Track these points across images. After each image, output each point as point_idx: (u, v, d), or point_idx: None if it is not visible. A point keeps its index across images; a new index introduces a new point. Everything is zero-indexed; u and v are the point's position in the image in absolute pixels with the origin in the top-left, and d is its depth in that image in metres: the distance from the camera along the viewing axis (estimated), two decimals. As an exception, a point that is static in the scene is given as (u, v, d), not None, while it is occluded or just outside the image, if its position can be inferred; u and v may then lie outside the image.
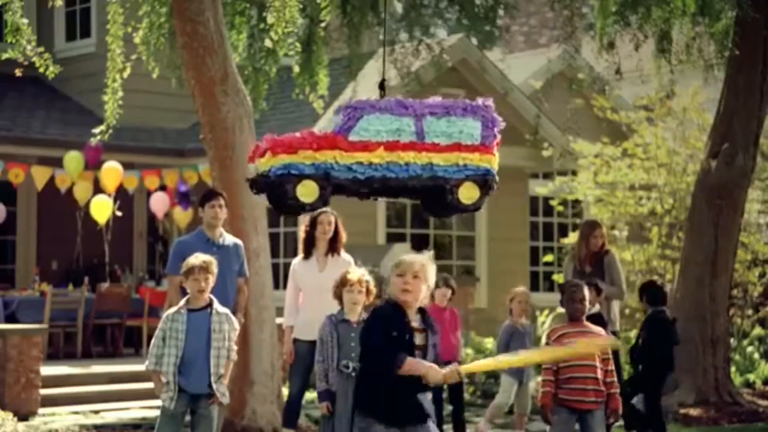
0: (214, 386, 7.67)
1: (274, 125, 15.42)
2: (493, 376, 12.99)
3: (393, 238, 17.28)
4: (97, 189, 16.54)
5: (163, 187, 17.25)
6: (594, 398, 7.72)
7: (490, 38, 34.96)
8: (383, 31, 6.37)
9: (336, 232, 9.48)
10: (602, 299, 10.26)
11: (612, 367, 7.85)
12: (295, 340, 9.42)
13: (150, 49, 13.10)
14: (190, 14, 10.86)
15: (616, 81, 15.09)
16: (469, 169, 5.72)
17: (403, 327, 5.86)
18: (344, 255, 9.49)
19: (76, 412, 12.11)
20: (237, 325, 7.92)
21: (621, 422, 9.92)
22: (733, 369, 14.50)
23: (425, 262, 5.93)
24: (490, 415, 10.63)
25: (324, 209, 9.52)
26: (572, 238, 16.80)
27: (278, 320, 10.61)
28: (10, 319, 14.56)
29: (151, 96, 17.62)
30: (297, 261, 9.64)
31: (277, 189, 5.50)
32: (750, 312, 17.14)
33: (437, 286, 10.49)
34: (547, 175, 19.41)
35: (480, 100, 5.85)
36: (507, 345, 10.43)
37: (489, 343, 15.16)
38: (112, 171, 16.33)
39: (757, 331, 16.72)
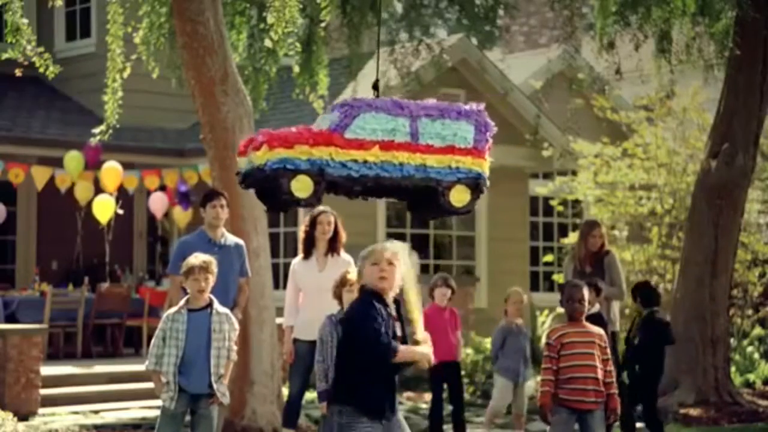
0: (215, 386, 7.66)
1: (274, 125, 15.39)
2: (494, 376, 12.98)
3: (393, 238, 17.26)
4: (97, 189, 16.54)
5: (163, 187, 17.25)
6: (594, 398, 7.72)
7: (490, 38, 34.97)
8: (377, 32, 6.36)
9: (336, 232, 9.48)
10: (602, 299, 10.25)
11: (611, 367, 7.85)
12: (295, 340, 9.43)
13: (150, 49, 13.11)
14: (190, 14, 10.87)
15: (616, 81, 15.09)
16: (461, 172, 5.75)
17: (386, 317, 5.87)
18: (344, 255, 9.49)
19: (76, 412, 12.11)
20: (237, 326, 7.92)
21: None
22: (733, 369, 14.50)
23: (396, 248, 5.96)
24: (489, 420, 10.61)
25: (324, 209, 9.53)
26: (572, 238, 16.80)
27: (278, 320, 10.61)
28: (10, 319, 14.57)
29: (151, 96, 17.62)
30: (297, 261, 9.64)
31: (271, 183, 5.50)
32: (750, 312, 17.13)
33: (437, 286, 10.50)
34: (547, 175, 19.40)
35: (473, 105, 5.88)
36: (501, 345, 10.43)
37: (489, 343, 15.13)
38: (112, 171, 16.33)
39: (757, 331, 16.72)
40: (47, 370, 12.70)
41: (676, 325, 13.69)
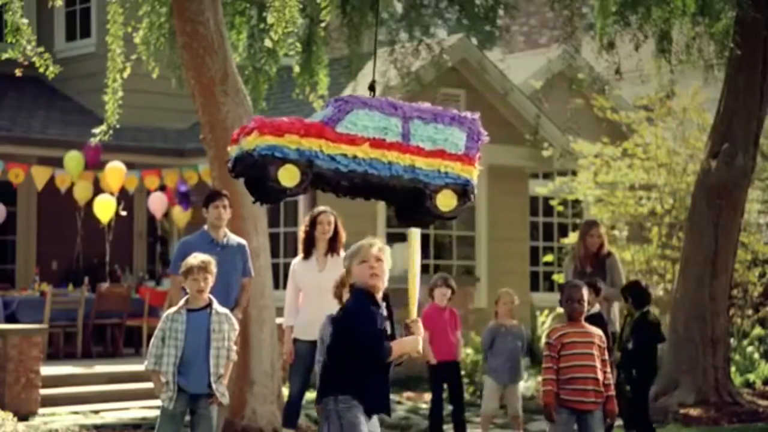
0: (214, 386, 7.67)
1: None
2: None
3: (393, 238, 17.25)
4: (97, 189, 16.54)
5: (162, 187, 17.25)
6: (594, 399, 7.73)
7: (490, 38, 34.96)
8: (375, 34, 6.36)
9: (336, 232, 9.49)
10: (601, 299, 10.25)
11: (609, 368, 7.86)
12: (295, 340, 9.43)
13: (150, 49, 13.11)
14: (190, 14, 10.87)
15: (616, 81, 15.09)
16: (449, 177, 5.74)
17: (379, 316, 5.86)
18: (344, 255, 9.47)
19: (76, 412, 12.11)
20: (237, 326, 7.92)
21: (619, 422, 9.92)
22: (733, 369, 14.50)
23: (381, 244, 5.96)
24: (484, 423, 10.59)
25: (324, 209, 9.54)
26: (572, 238, 16.80)
27: (278, 320, 10.61)
28: (10, 319, 14.57)
29: (151, 96, 17.62)
30: (297, 261, 9.64)
31: (258, 170, 5.50)
32: (750, 312, 17.13)
33: (437, 285, 10.50)
34: (547, 175, 19.40)
35: (468, 113, 5.88)
36: (490, 346, 10.41)
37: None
38: (115, 171, 16.34)
39: (757, 331, 16.71)
40: (47, 370, 12.70)
41: (676, 325, 13.72)
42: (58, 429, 11.09)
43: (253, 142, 5.46)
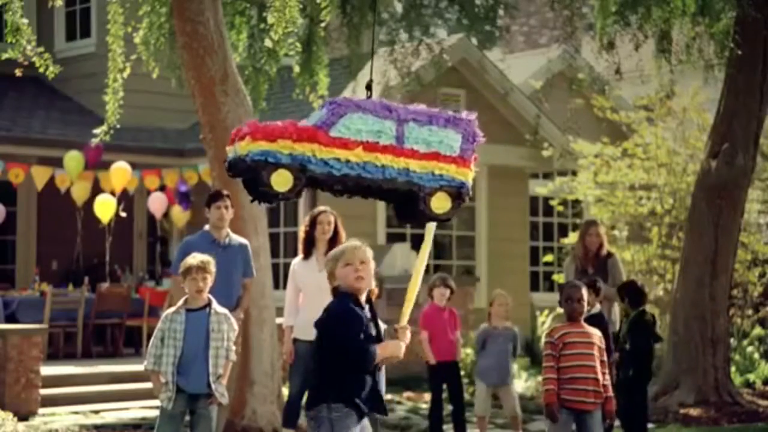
0: (213, 386, 7.66)
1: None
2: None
3: (393, 239, 17.27)
4: (97, 189, 16.54)
5: (162, 187, 17.26)
6: (593, 399, 7.73)
7: (490, 38, 34.94)
8: (372, 35, 6.35)
9: (336, 232, 9.48)
10: (602, 299, 10.24)
11: (607, 369, 7.85)
12: (295, 340, 9.42)
13: (150, 49, 13.10)
14: (190, 14, 10.87)
15: (616, 81, 15.09)
16: (444, 180, 5.72)
17: (364, 319, 5.82)
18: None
19: (76, 412, 12.11)
20: (236, 326, 7.91)
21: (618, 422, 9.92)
22: (733, 369, 14.50)
23: (365, 246, 5.91)
24: (480, 426, 10.58)
25: (324, 209, 9.54)
26: (572, 238, 16.80)
27: (278, 320, 10.61)
28: (10, 319, 14.56)
29: (151, 96, 17.62)
30: (297, 261, 9.64)
31: (252, 174, 5.52)
32: (750, 312, 17.13)
33: (436, 285, 10.49)
34: (547, 175, 19.41)
35: (465, 114, 5.86)
36: (482, 348, 10.41)
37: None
38: (120, 171, 16.35)
39: (757, 331, 16.71)
40: (47, 370, 12.70)
41: (676, 325, 13.72)
42: (58, 429, 11.09)
43: (245, 147, 5.47)
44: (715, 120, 14.07)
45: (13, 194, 17.49)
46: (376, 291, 8.27)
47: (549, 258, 18.98)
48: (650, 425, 11.27)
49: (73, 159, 16.25)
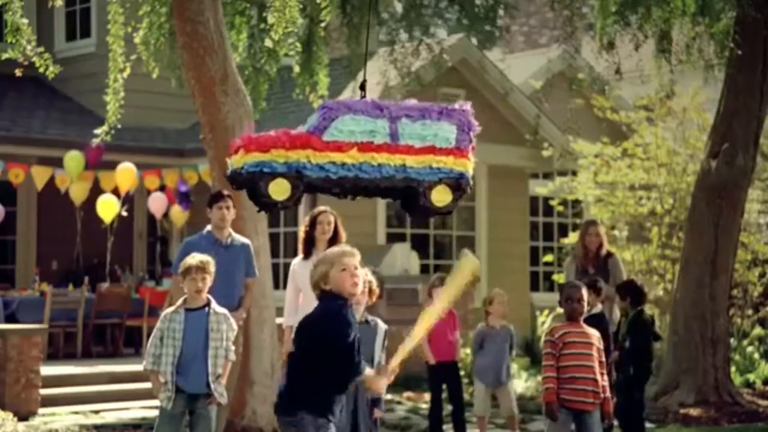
0: (212, 386, 7.66)
1: (274, 125, 15.38)
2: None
3: (393, 239, 17.27)
4: (97, 189, 16.54)
5: (162, 187, 17.26)
6: (593, 399, 7.73)
7: (490, 38, 34.94)
8: (366, 36, 6.36)
9: (336, 232, 9.48)
10: (603, 299, 10.23)
11: (605, 370, 7.85)
12: (295, 340, 9.42)
13: (150, 49, 13.10)
14: (190, 14, 10.87)
15: (616, 81, 15.09)
16: (442, 172, 5.72)
17: (355, 326, 5.71)
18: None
19: (76, 412, 12.11)
20: (235, 326, 7.91)
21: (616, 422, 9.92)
22: (733, 369, 14.50)
23: (355, 251, 5.83)
24: (479, 426, 10.57)
25: (324, 209, 9.54)
26: (572, 238, 16.80)
27: (278, 320, 10.61)
28: (10, 319, 14.56)
29: (151, 96, 17.62)
30: (297, 261, 9.63)
31: (251, 186, 5.53)
32: (750, 312, 17.13)
33: (435, 285, 10.48)
34: (547, 175, 19.41)
35: (457, 104, 5.85)
36: (480, 348, 10.40)
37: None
38: (127, 172, 16.35)
39: (757, 331, 16.72)
40: (47, 370, 12.70)
41: (676, 325, 13.72)
42: (58, 429, 11.09)
43: (240, 160, 5.50)
44: (715, 120, 14.07)
45: (13, 194, 17.48)
46: (377, 291, 8.30)
47: (549, 258, 18.98)
48: (650, 425, 11.29)
49: (73, 159, 16.25)
